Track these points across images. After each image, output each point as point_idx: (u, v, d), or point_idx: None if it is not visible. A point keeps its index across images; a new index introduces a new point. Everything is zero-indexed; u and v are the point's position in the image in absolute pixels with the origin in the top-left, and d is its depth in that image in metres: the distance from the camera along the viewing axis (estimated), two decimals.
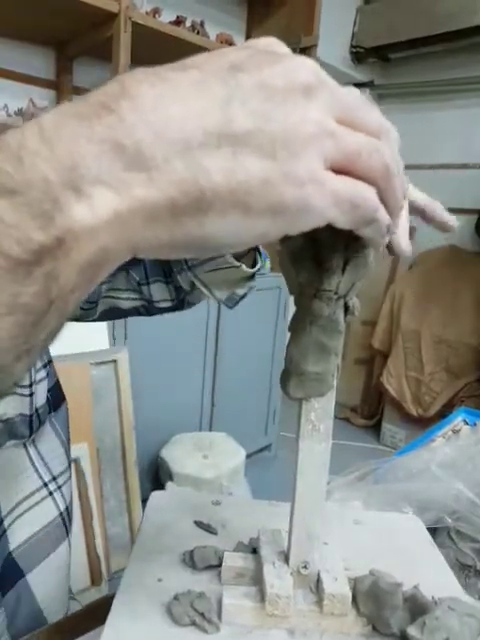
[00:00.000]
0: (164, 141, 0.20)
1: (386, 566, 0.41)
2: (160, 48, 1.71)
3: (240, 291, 0.59)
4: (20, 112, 1.45)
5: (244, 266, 0.54)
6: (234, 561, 0.42)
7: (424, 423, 2.52)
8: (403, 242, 0.37)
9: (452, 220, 0.41)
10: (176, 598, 0.38)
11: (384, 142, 0.24)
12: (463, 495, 0.59)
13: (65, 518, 0.61)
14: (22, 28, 1.61)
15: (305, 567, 0.40)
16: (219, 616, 0.38)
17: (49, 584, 0.58)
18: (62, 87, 1.76)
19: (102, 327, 1.62)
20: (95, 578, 1.40)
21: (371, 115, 0.24)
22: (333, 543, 0.42)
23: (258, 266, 0.57)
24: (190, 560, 0.44)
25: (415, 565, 0.46)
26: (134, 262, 0.61)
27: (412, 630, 0.35)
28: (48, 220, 0.19)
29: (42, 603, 0.57)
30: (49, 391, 0.60)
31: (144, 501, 1.48)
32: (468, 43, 2.55)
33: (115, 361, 1.56)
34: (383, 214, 0.25)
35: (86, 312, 0.63)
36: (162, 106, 0.21)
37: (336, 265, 0.31)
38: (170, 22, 1.71)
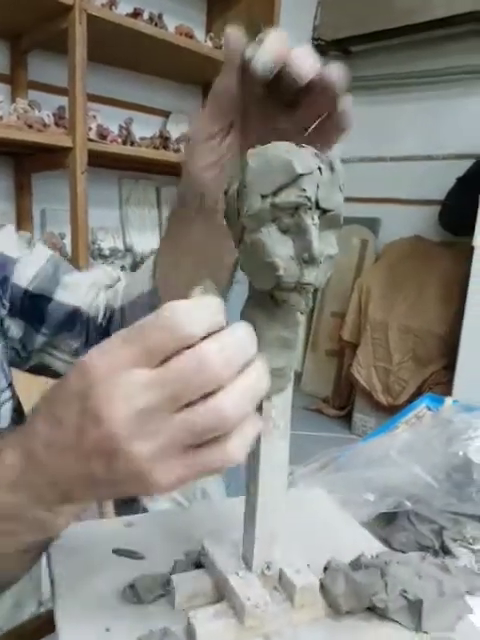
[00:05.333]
0: None
1: (311, 540, 0.43)
2: (117, 41, 1.69)
3: None
4: None
5: None
6: (185, 583, 0.39)
7: (394, 411, 2.54)
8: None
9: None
10: None
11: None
12: (420, 479, 0.59)
13: None
14: None
15: (268, 568, 0.39)
16: None
17: None
18: (17, 81, 1.72)
19: None
20: None
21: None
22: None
23: None
24: (133, 595, 0.39)
25: (334, 532, 0.50)
26: (77, 324, 0.60)
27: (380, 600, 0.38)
28: None
29: None
30: (14, 411, 0.58)
31: (117, 503, 1.46)
32: (427, 36, 2.59)
33: None
34: None
35: (21, 360, 0.60)
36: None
37: (318, 256, 0.30)
38: (127, 14, 1.68)
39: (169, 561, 0.42)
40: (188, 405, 0.27)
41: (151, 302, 0.54)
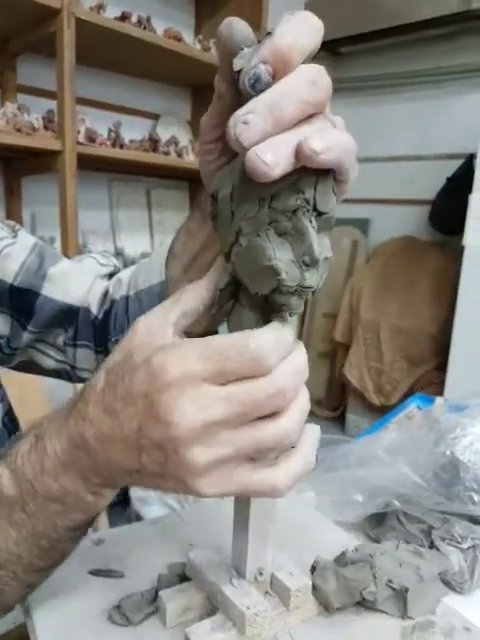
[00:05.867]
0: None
1: (291, 540, 0.44)
2: (105, 44, 1.69)
3: None
4: None
5: None
6: (175, 599, 0.38)
7: (387, 412, 2.54)
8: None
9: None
10: None
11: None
12: (408, 478, 0.60)
13: None
14: None
15: (261, 573, 0.38)
16: None
17: None
18: (5, 85, 1.71)
19: None
20: None
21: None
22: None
23: None
24: (121, 617, 0.37)
25: (312, 531, 0.51)
26: (67, 320, 0.58)
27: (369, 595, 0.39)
28: None
29: None
30: (6, 415, 0.57)
31: (110, 507, 1.45)
32: (415, 37, 2.60)
33: None
34: None
35: (6, 357, 0.58)
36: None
37: (318, 258, 0.30)
38: (115, 18, 1.68)
39: (151, 576, 0.41)
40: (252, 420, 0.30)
41: (160, 292, 0.52)
